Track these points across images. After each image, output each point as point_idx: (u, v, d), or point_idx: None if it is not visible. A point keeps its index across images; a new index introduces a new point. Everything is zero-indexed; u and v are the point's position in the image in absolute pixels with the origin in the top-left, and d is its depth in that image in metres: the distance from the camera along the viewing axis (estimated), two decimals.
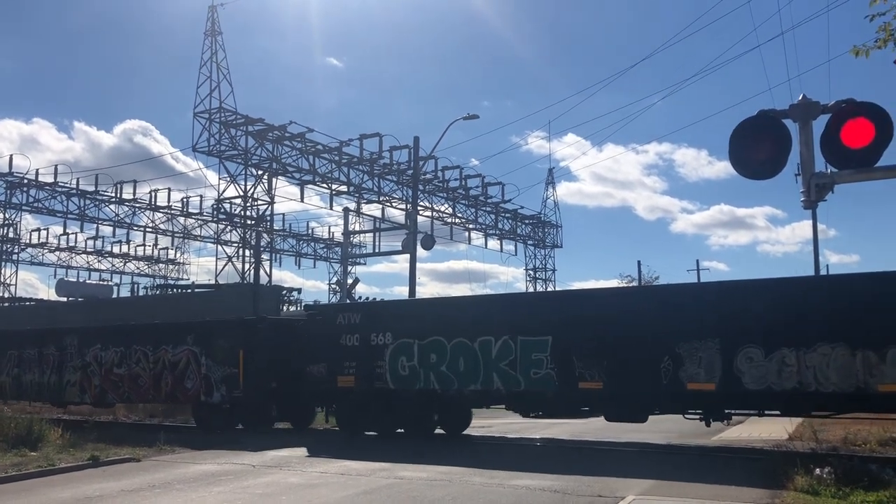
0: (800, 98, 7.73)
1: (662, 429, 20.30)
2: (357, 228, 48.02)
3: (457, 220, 51.55)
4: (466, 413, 20.69)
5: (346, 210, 36.74)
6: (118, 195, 44.58)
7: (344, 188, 43.22)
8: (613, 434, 20.02)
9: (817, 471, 11.13)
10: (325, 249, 60.27)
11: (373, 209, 46.19)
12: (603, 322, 16.52)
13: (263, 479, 12.72)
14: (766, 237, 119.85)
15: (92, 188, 43.45)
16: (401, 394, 18.97)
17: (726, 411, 16.28)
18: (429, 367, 18.48)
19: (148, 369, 22.70)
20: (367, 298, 56.38)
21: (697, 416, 16.43)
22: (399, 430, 19.77)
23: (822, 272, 36.49)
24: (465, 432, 20.48)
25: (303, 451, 16.57)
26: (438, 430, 20.15)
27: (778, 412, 15.82)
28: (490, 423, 23.90)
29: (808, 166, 7.59)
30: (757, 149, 7.73)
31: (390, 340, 19.05)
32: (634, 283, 55.26)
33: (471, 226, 53.26)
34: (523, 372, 17.23)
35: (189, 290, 39.92)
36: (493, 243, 55.69)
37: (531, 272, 60.99)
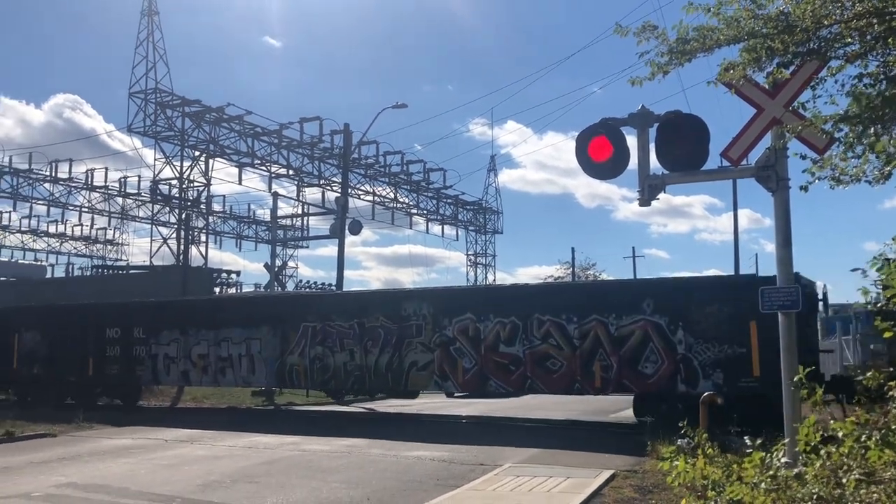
0: (639, 108, 8.71)
1: (570, 407, 21.53)
2: (300, 212, 48.46)
3: (398, 205, 52.33)
4: None
5: (276, 194, 37.27)
6: (53, 174, 44.26)
7: (284, 171, 43.62)
8: (524, 411, 21.15)
9: (679, 441, 12.28)
10: (266, 232, 60.35)
11: (315, 192, 46.70)
12: None
13: (172, 451, 13.41)
14: (704, 225, 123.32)
15: (25, 166, 43.05)
16: None
17: None
18: None
19: (568, 348, 16.66)
20: (312, 283, 56.84)
21: None
22: None
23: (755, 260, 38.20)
24: None
25: None
26: None
27: None
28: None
29: (643, 169, 8.61)
30: (599, 152, 8.72)
31: None
32: (569, 271, 56.88)
33: (413, 211, 54.14)
34: None
35: (123, 272, 39.93)
36: (436, 228, 56.73)
37: (472, 257, 62.15)
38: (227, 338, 20.66)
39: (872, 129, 5.73)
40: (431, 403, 24.42)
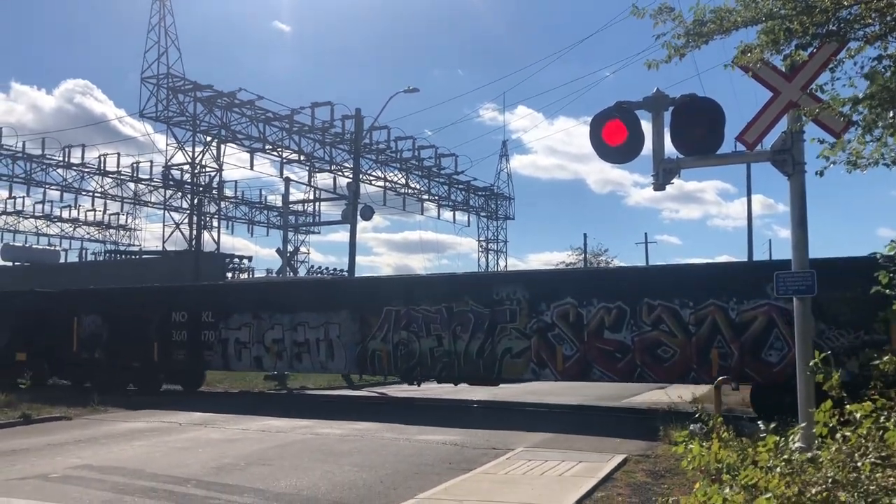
0: (653, 91, 8.65)
1: (583, 392, 21.53)
2: (311, 197, 48.51)
3: (410, 191, 52.28)
4: None
5: (287, 180, 37.27)
6: (66, 159, 44.50)
7: (295, 156, 43.65)
8: (536, 396, 21.18)
9: (691, 426, 12.28)
10: (278, 217, 60.49)
11: (326, 178, 46.73)
12: None
13: (187, 434, 13.53)
14: (716, 211, 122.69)
15: (38, 151, 43.29)
16: None
17: None
18: None
19: (682, 334, 15.64)
20: (324, 268, 57.05)
21: None
22: None
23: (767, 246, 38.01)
24: None
25: None
26: None
27: None
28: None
29: (658, 153, 8.55)
30: (614, 135, 8.66)
31: None
32: (581, 257, 56.76)
33: (424, 196, 54.09)
34: None
35: (136, 257, 40.16)
36: (447, 214, 56.68)
37: (483, 243, 62.10)
38: (304, 322, 20.00)
39: (892, 111, 5.66)
40: (444, 388, 24.47)
